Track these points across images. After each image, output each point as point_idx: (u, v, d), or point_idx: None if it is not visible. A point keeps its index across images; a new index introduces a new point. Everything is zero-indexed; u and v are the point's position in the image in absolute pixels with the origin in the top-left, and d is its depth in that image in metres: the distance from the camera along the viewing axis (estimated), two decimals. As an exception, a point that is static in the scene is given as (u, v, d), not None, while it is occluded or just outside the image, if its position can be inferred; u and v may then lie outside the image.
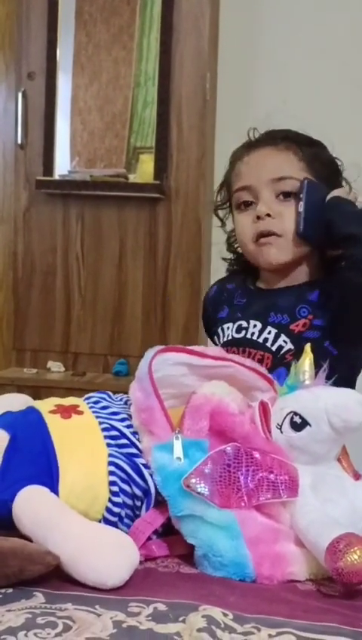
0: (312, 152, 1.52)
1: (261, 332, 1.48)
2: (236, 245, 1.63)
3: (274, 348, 1.46)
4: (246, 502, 1.08)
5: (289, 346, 1.45)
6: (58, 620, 0.89)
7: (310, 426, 1.14)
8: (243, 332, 1.51)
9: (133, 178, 2.67)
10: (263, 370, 1.28)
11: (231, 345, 1.50)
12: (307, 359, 1.21)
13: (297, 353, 1.38)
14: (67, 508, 1.04)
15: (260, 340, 1.48)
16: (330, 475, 1.15)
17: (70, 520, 1.02)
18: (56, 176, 2.69)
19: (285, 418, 1.16)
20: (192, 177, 2.58)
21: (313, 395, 1.16)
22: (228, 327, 1.54)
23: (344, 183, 1.57)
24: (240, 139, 1.62)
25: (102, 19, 2.70)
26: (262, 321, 1.49)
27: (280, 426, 1.16)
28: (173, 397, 1.19)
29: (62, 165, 2.71)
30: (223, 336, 1.54)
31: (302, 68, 2.62)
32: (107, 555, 0.99)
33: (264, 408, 1.18)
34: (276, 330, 1.47)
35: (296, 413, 1.15)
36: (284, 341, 1.46)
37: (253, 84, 2.66)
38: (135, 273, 2.64)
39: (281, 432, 1.16)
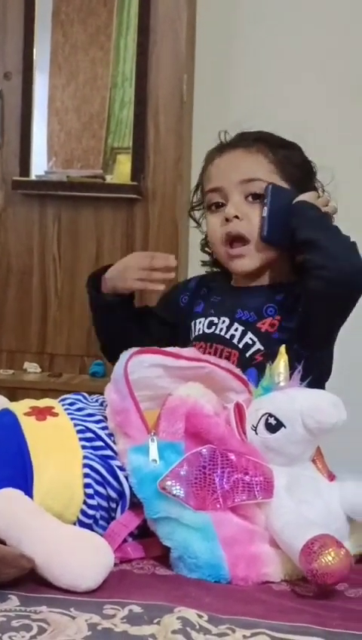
0: (284, 154, 1.53)
1: (228, 328, 1.50)
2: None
3: (240, 345, 1.48)
4: (221, 503, 1.08)
5: (259, 346, 1.47)
6: (33, 622, 0.89)
7: (285, 427, 1.14)
8: (213, 328, 1.53)
9: (110, 179, 2.66)
10: (237, 371, 1.29)
11: (201, 340, 1.52)
12: (282, 361, 1.21)
13: (267, 354, 1.42)
14: (41, 511, 1.04)
15: (227, 336, 1.50)
16: (305, 477, 1.16)
17: (44, 523, 1.02)
18: (33, 176, 2.68)
19: (260, 420, 1.16)
20: (169, 178, 2.58)
21: (288, 396, 1.17)
22: (200, 322, 1.55)
23: (317, 186, 1.58)
24: (218, 140, 1.63)
25: (79, 19, 2.69)
26: (230, 318, 1.51)
27: (255, 428, 1.16)
28: (149, 399, 1.19)
29: (39, 166, 2.71)
30: (195, 330, 1.56)
31: (278, 70, 2.62)
32: (81, 557, 0.99)
33: (239, 410, 1.18)
34: (243, 328, 1.49)
35: (270, 415, 1.15)
36: (251, 339, 1.48)
37: (229, 86, 2.67)
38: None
39: (256, 434, 1.16)
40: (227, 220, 1.50)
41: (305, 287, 1.42)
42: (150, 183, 2.59)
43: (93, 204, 2.63)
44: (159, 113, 2.58)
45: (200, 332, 1.54)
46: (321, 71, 2.59)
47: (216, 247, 1.56)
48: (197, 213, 1.66)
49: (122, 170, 2.65)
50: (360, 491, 1.14)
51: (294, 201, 1.47)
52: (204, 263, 1.69)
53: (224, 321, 1.52)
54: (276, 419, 1.15)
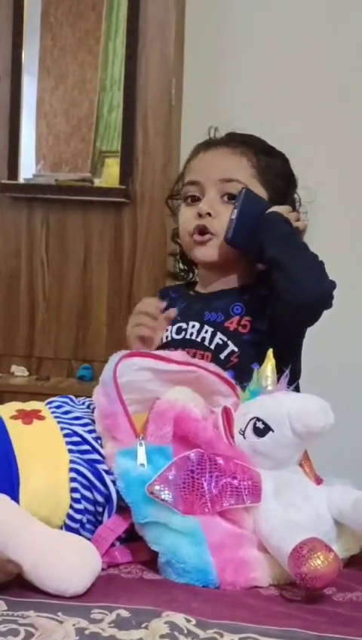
0: (267, 162, 1.54)
1: (199, 331, 1.52)
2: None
3: (212, 346, 1.49)
4: (209, 508, 1.08)
5: (232, 347, 1.49)
6: (20, 627, 0.88)
7: (273, 431, 1.14)
8: (183, 333, 1.54)
9: (98, 182, 2.66)
10: (225, 374, 1.29)
11: (171, 346, 1.53)
12: (269, 365, 1.21)
13: (242, 356, 1.46)
14: (28, 515, 1.04)
15: (198, 339, 1.51)
16: (293, 480, 1.16)
17: (31, 527, 1.01)
18: (21, 179, 2.68)
19: (248, 424, 1.16)
20: (158, 182, 2.58)
21: (275, 400, 1.17)
22: (167, 329, 1.56)
23: (295, 200, 1.60)
24: (207, 141, 1.63)
25: (68, 23, 2.69)
26: (199, 321, 1.53)
27: (243, 432, 1.16)
28: (137, 402, 1.19)
29: (27, 169, 2.70)
30: (163, 338, 1.56)
31: (267, 74, 2.63)
32: (68, 562, 0.99)
33: (227, 414, 1.18)
34: (212, 329, 1.51)
35: (258, 419, 1.15)
36: (221, 339, 1.49)
37: (218, 90, 2.67)
38: (100, 278, 2.63)
39: (244, 438, 1.16)
40: (200, 215, 1.52)
41: (272, 297, 1.44)
42: (138, 186, 2.59)
43: (82, 208, 2.63)
44: (148, 117, 2.58)
45: (170, 338, 1.55)
46: (311, 73, 2.60)
47: (183, 238, 1.58)
48: (175, 203, 1.68)
49: (111, 174, 2.65)
50: (347, 495, 1.14)
51: (266, 212, 1.49)
52: (172, 274, 1.71)
53: (194, 325, 1.53)
54: (264, 423, 1.15)
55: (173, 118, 2.58)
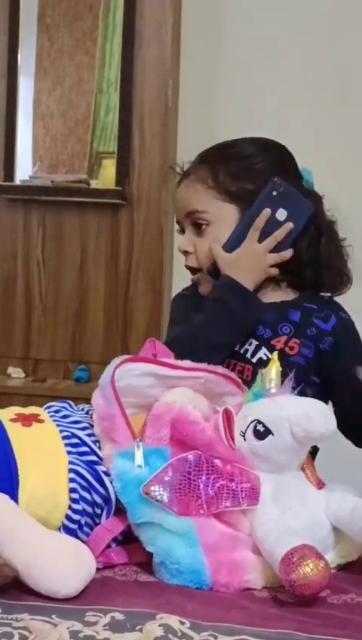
0: (226, 172, 1.46)
1: (243, 344, 1.46)
2: None
3: (254, 360, 1.45)
4: (205, 509, 1.08)
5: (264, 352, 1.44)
6: (14, 630, 0.88)
7: (272, 434, 1.14)
8: None
9: (95, 184, 2.66)
10: (233, 375, 1.28)
11: None
12: (274, 367, 1.20)
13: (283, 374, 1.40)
14: (25, 516, 1.04)
15: (241, 351, 1.46)
16: (292, 484, 1.15)
17: (27, 528, 1.01)
18: (18, 181, 2.68)
19: (249, 426, 1.16)
20: (154, 183, 2.58)
21: (276, 404, 1.16)
22: None
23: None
24: (202, 146, 1.62)
25: (65, 24, 2.69)
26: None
27: (244, 434, 1.16)
28: (136, 406, 1.19)
29: (24, 170, 2.70)
30: None
31: (264, 75, 2.63)
32: (62, 563, 0.99)
33: (228, 416, 1.18)
34: (257, 342, 1.46)
35: (259, 422, 1.15)
36: (265, 354, 1.44)
37: (214, 92, 2.67)
38: (96, 279, 2.63)
39: (244, 440, 1.16)
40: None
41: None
42: (135, 188, 2.59)
43: (78, 209, 2.63)
44: (144, 118, 2.58)
45: None
46: (305, 76, 2.60)
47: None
48: None
49: (107, 175, 2.65)
50: (345, 502, 1.14)
51: (220, 278, 1.45)
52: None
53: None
54: (264, 426, 1.14)
55: (169, 120, 2.58)
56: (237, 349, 1.46)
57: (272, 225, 1.44)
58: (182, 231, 1.54)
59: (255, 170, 1.47)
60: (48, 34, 2.71)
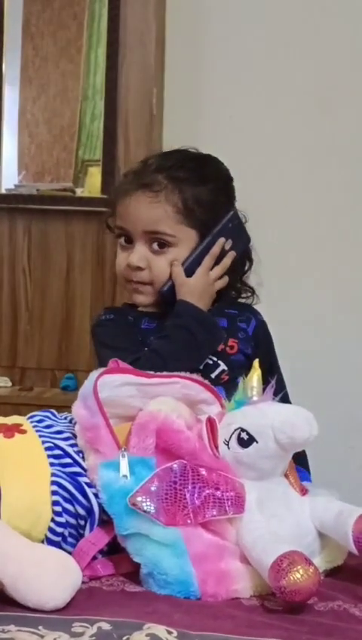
0: (194, 197, 1.50)
1: None
2: None
3: (200, 366, 1.48)
4: (192, 519, 1.08)
5: (223, 366, 1.49)
6: (1, 642, 0.88)
7: (256, 442, 1.14)
8: None
9: (80, 192, 2.66)
10: (207, 382, 1.29)
11: None
12: (255, 375, 1.21)
13: (231, 373, 1.47)
14: (8, 529, 1.03)
15: None
16: (277, 491, 1.16)
17: (11, 541, 1.01)
18: (3, 189, 2.67)
19: (232, 434, 1.16)
20: (140, 191, 2.58)
21: (260, 411, 1.16)
22: None
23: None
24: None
25: (50, 32, 2.69)
26: None
27: (228, 442, 1.16)
28: (118, 417, 1.19)
29: (9, 179, 2.69)
30: None
31: (248, 82, 2.63)
32: (48, 577, 0.99)
33: (211, 425, 1.18)
34: None
35: (243, 430, 1.15)
36: (211, 359, 1.49)
37: (199, 100, 2.67)
38: (83, 287, 2.63)
39: (229, 448, 1.16)
40: (129, 266, 1.51)
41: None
42: (120, 196, 2.59)
43: (64, 218, 2.63)
44: (129, 126, 2.58)
45: None
46: (290, 84, 2.61)
47: (119, 278, 1.59)
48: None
49: (93, 183, 2.65)
50: (330, 507, 1.14)
51: (177, 302, 1.48)
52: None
53: None
54: (248, 433, 1.15)
55: (153, 128, 2.58)
56: None
57: (221, 253, 1.53)
58: (128, 242, 1.52)
59: (219, 202, 1.54)
60: (33, 42, 2.71)
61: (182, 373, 1.27)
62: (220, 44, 2.66)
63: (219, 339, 1.50)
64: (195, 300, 1.49)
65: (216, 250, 1.51)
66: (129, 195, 1.52)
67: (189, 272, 1.50)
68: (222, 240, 1.52)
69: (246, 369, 1.37)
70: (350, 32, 2.56)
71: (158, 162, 1.57)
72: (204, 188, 1.52)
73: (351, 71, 2.56)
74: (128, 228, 1.52)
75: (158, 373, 1.24)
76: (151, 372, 1.24)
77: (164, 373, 1.25)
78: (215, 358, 1.50)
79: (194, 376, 1.29)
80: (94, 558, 1.11)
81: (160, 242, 1.50)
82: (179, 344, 1.45)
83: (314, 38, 2.60)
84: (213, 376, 1.47)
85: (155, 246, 1.50)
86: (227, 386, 1.35)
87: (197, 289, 1.50)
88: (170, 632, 0.91)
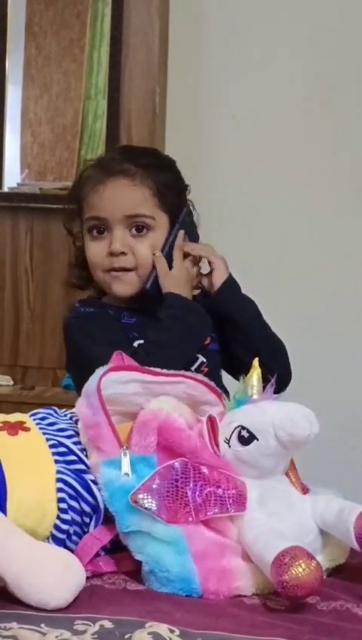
0: (164, 182, 1.54)
1: None
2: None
3: None
4: (193, 517, 1.08)
5: (202, 359, 1.51)
6: (2, 639, 0.88)
7: (257, 440, 1.14)
8: None
9: (83, 191, 2.66)
10: (212, 384, 1.29)
11: None
12: (255, 374, 1.21)
13: (210, 364, 1.51)
14: (13, 527, 1.03)
15: None
16: (278, 489, 1.16)
17: (15, 539, 1.01)
18: (5, 188, 2.68)
19: (233, 432, 1.16)
20: (142, 191, 2.58)
21: (260, 409, 1.16)
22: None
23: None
24: (190, 153, 1.63)
25: (53, 32, 2.70)
26: None
27: (228, 441, 1.16)
28: (121, 414, 1.19)
29: (12, 178, 2.70)
30: None
31: (250, 82, 2.64)
32: (51, 576, 0.99)
33: (212, 423, 1.18)
34: None
35: (243, 428, 1.15)
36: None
37: (201, 99, 2.68)
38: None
39: (229, 447, 1.16)
40: (112, 253, 1.51)
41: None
42: (123, 195, 2.59)
43: (66, 217, 2.63)
44: (131, 126, 2.59)
45: None
46: (292, 83, 2.61)
47: (96, 274, 1.55)
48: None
49: (95, 182, 2.65)
50: (331, 504, 1.14)
51: (164, 293, 1.50)
52: (74, 285, 1.67)
53: None
54: (249, 431, 1.15)
55: (156, 127, 2.58)
56: None
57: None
58: (100, 232, 1.52)
59: (182, 188, 1.59)
60: (36, 42, 2.71)
61: (188, 373, 1.28)
62: (223, 44, 2.66)
63: (209, 327, 1.53)
64: (180, 290, 1.52)
65: (180, 241, 1.54)
66: (103, 184, 1.52)
67: (168, 262, 1.53)
68: (182, 232, 1.55)
69: (221, 354, 1.49)
70: (353, 31, 2.56)
71: (120, 154, 1.61)
72: (167, 173, 1.57)
73: (353, 70, 2.57)
74: (104, 216, 1.52)
75: (164, 371, 1.24)
76: (157, 369, 1.23)
77: (171, 371, 1.25)
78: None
79: (200, 376, 1.28)
80: (97, 555, 1.11)
81: (138, 226, 1.52)
82: (177, 334, 1.47)
83: (317, 37, 2.60)
84: (192, 368, 1.48)
85: (134, 231, 1.52)
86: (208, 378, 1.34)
87: (181, 280, 1.53)
88: (172, 631, 0.91)
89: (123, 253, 1.51)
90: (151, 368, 1.24)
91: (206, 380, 1.28)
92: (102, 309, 1.58)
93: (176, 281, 1.52)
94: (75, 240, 1.64)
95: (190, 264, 1.57)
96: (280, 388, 1.29)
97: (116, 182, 1.52)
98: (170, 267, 1.53)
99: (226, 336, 1.57)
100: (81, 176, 1.61)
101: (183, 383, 1.24)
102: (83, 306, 1.60)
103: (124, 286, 1.53)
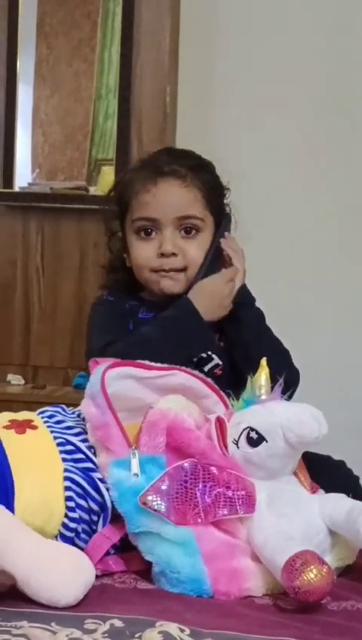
0: (211, 185, 1.55)
1: None
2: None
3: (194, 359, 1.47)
4: (203, 518, 1.08)
5: (217, 361, 1.46)
6: (13, 637, 0.89)
7: (266, 441, 1.14)
8: None
9: (94, 190, 2.66)
10: (209, 380, 1.28)
11: None
12: (263, 374, 1.21)
13: (225, 368, 1.46)
14: (22, 525, 1.04)
15: None
16: (286, 490, 1.16)
17: (25, 538, 1.02)
18: (16, 188, 2.68)
19: (241, 433, 1.16)
20: (153, 190, 2.58)
21: (268, 410, 1.16)
22: None
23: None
24: (200, 152, 1.63)
25: (63, 31, 2.70)
26: None
27: (237, 442, 1.16)
28: (125, 410, 1.18)
29: (23, 177, 2.70)
30: None
31: (262, 82, 2.63)
32: (61, 574, 0.99)
33: (220, 424, 1.18)
34: None
35: (252, 429, 1.15)
36: (206, 352, 1.48)
37: (212, 98, 2.67)
38: (95, 286, 2.61)
39: (238, 448, 1.16)
40: (163, 254, 1.51)
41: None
42: (134, 194, 2.59)
43: (77, 216, 2.63)
44: (142, 125, 2.58)
45: None
46: (306, 84, 2.60)
47: (142, 273, 1.54)
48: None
49: (107, 181, 2.65)
50: (340, 504, 1.14)
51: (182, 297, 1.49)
52: (107, 287, 1.66)
53: None
54: (257, 433, 1.15)
55: (167, 127, 2.58)
56: None
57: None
58: (148, 234, 1.52)
59: (223, 189, 1.59)
60: (47, 41, 2.71)
61: (182, 368, 1.27)
62: (234, 43, 2.65)
63: (205, 343, 1.47)
64: (203, 300, 1.48)
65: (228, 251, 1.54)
66: (154, 184, 1.52)
67: (209, 270, 1.52)
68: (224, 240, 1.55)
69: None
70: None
71: (166, 156, 1.59)
72: (210, 175, 1.57)
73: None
74: (156, 216, 1.52)
75: (158, 365, 1.23)
76: (151, 363, 1.23)
77: (165, 365, 1.24)
78: (209, 352, 1.48)
79: (196, 372, 1.28)
80: (107, 553, 1.11)
81: (187, 228, 1.52)
82: (162, 334, 1.44)
83: (327, 38, 2.59)
84: (206, 369, 1.46)
85: (183, 232, 1.52)
86: (219, 381, 1.33)
87: (206, 291, 1.50)
88: (182, 630, 0.91)
89: (174, 254, 1.51)
90: (145, 362, 1.23)
91: (196, 372, 1.28)
92: (119, 300, 1.58)
93: (201, 291, 1.50)
94: (111, 242, 1.64)
95: (231, 284, 1.53)
96: (287, 391, 1.27)
97: (167, 182, 1.52)
98: (208, 273, 1.52)
99: (229, 341, 1.55)
100: (126, 177, 1.61)
101: (176, 375, 1.24)
102: (108, 294, 1.62)
103: (173, 283, 1.52)
